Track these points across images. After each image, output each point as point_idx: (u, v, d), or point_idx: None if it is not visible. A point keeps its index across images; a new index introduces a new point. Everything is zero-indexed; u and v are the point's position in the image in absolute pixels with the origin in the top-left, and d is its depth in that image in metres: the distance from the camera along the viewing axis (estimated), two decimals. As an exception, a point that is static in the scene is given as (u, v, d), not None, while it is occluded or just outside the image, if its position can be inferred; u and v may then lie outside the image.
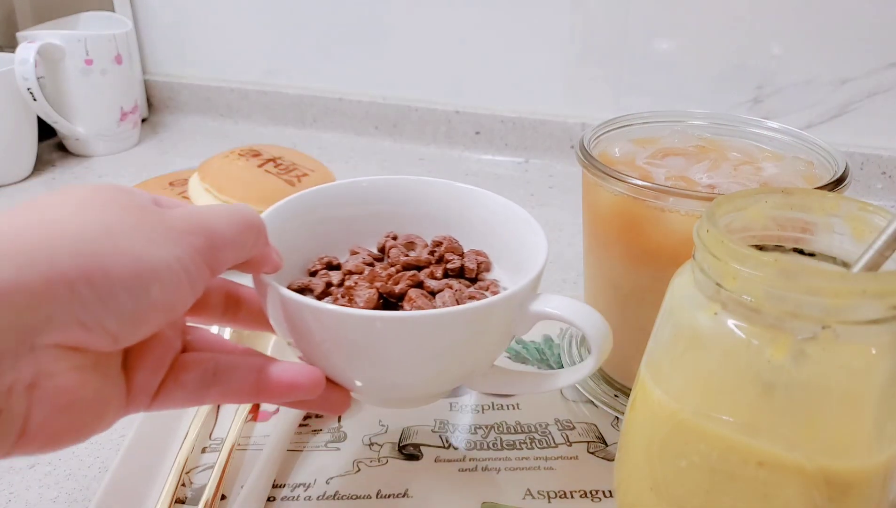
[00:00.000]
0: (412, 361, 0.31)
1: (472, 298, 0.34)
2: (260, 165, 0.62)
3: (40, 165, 0.77)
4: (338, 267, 0.37)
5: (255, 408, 0.41)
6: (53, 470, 0.37)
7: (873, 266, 0.24)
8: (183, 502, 0.35)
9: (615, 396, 0.41)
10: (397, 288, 0.34)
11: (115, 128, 0.81)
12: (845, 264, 0.27)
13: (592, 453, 0.38)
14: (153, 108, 0.93)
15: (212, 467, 0.36)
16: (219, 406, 0.41)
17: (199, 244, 0.25)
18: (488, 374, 0.35)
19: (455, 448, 0.38)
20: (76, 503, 0.36)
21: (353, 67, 0.84)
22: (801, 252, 0.28)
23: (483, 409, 0.41)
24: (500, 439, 0.39)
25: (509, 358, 0.45)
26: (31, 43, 0.71)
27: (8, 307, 0.20)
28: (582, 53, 0.75)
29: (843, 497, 0.24)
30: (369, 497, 0.35)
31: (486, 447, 0.38)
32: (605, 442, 0.39)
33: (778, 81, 0.69)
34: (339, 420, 0.40)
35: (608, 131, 0.41)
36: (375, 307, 0.33)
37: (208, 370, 0.28)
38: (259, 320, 0.33)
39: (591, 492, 0.36)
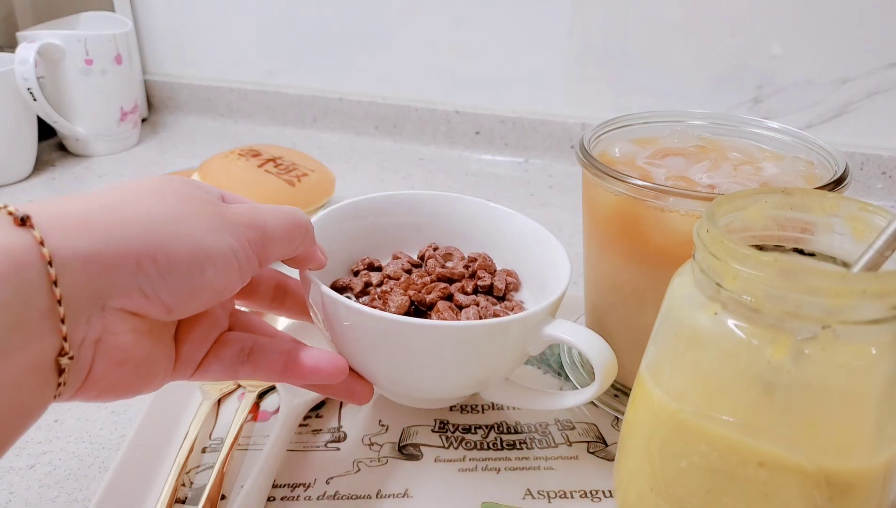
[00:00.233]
0: (429, 366, 0.34)
1: (496, 315, 0.37)
2: (260, 165, 0.62)
3: (40, 165, 0.77)
4: (379, 268, 0.41)
5: (255, 408, 0.41)
6: (53, 470, 0.37)
7: (873, 266, 0.24)
8: (183, 502, 0.35)
9: (615, 396, 0.41)
10: (428, 298, 0.37)
11: (115, 128, 0.81)
12: (845, 264, 0.27)
13: (592, 453, 0.38)
14: (153, 108, 0.93)
15: (212, 467, 0.36)
16: (219, 406, 0.41)
17: (251, 237, 0.28)
18: (501, 386, 0.37)
19: (455, 448, 0.38)
20: (76, 503, 0.36)
21: (353, 67, 0.84)
22: (801, 252, 0.28)
23: (483, 409, 0.41)
24: (500, 439, 0.39)
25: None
26: (31, 43, 0.71)
27: (86, 273, 0.23)
28: (582, 53, 0.75)
29: (843, 497, 0.24)
30: (369, 497, 0.35)
31: (486, 447, 0.38)
32: (605, 442, 0.39)
33: (778, 81, 0.69)
34: (339, 420, 0.40)
35: (608, 131, 0.41)
36: (406, 313, 0.36)
37: (244, 348, 0.32)
38: (303, 311, 0.37)
39: (591, 492, 0.36)
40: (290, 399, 0.40)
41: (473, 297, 0.39)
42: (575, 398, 0.36)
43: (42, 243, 0.22)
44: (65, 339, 0.23)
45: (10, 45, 0.77)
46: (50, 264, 0.22)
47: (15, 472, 0.37)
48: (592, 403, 0.41)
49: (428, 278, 0.39)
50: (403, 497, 0.35)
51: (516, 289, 0.41)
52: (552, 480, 0.36)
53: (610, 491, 0.35)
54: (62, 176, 0.76)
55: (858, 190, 0.68)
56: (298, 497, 0.35)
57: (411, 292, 0.38)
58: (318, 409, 0.41)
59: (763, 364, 0.23)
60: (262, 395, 0.42)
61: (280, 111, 0.88)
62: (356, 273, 0.41)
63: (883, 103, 0.67)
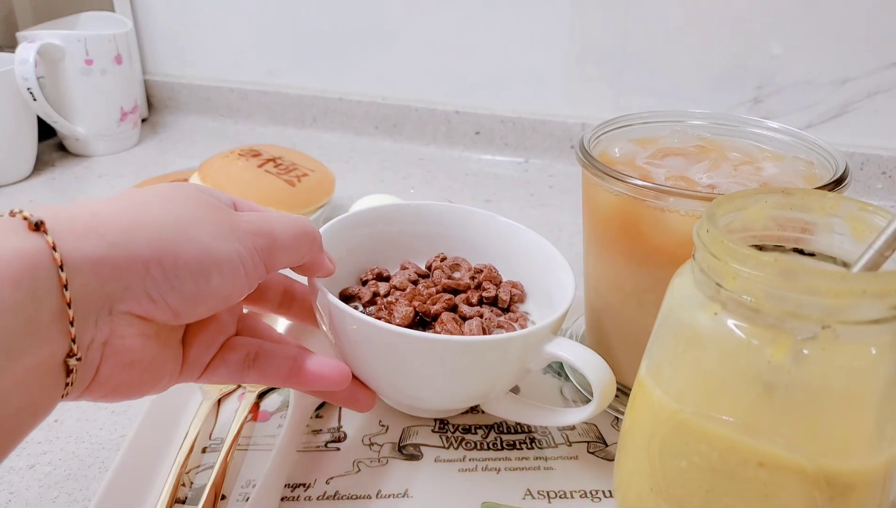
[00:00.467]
0: (429, 378, 0.34)
1: (500, 327, 0.38)
2: (260, 165, 0.62)
3: (40, 165, 0.77)
4: (387, 278, 0.42)
5: (255, 408, 0.41)
6: (53, 470, 0.37)
7: (873, 266, 0.24)
8: (183, 502, 0.35)
9: (615, 396, 0.41)
10: (433, 309, 0.38)
11: (115, 128, 0.81)
12: (845, 264, 0.27)
13: (592, 453, 0.38)
14: (153, 108, 0.93)
15: (212, 467, 0.36)
16: (219, 406, 0.41)
17: (259, 244, 0.29)
18: (502, 400, 0.38)
19: (455, 448, 0.38)
20: (76, 503, 0.36)
21: (353, 67, 0.84)
22: (801, 252, 0.28)
23: (483, 409, 0.41)
24: (500, 439, 0.39)
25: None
26: (31, 43, 0.71)
27: (97, 276, 0.24)
28: (582, 53, 0.75)
29: (843, 497, 0.24)
30: (369, 497, 0.35)
31: (486, 447, 0.38)
32: (605, 442, 0.39)
33: (778, 81, 0.69)
34: (339, 420, 0.40)
35: (608, 131, 0.41)
36: (410, 324, 0.37)
37: (251, 353, 0.32)
38: (310, 316, 0.38)
39: (591, 492, 0.36)
40: (299, 398, 0.40)
41: (478, 308, 0.39)
42: (574, 416, 0.36)
43: (54, 248, 0.23)
44: (73, 341, 0.24)
45: (10, 45, 0.77)
46: (61, 267, 0.23)
47: (15, 472, 0.37)
48: (592, 403, 0.41)
49: (433, 289, 0.40)
50: (403, 497, 0.35)
51: (521, 300, 0.42)
52: (552, 480, 0.36)
53: (610, 491, 0.35)
54: (62, 176, 0.76)
55: (858, 190, 0.68)
56: (298, 497, 0.35)
57: (416, 303, 0.38)
58: (318, 409, 0.41)
59: (763, 364, 0.23)
60: (262, 395, 0.42)
61: (280, 111, 0.88)
62: (364, 282, 0.42)
63: (883, 103, 0.67)
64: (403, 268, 0.43)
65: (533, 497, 0.35)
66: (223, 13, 0.87)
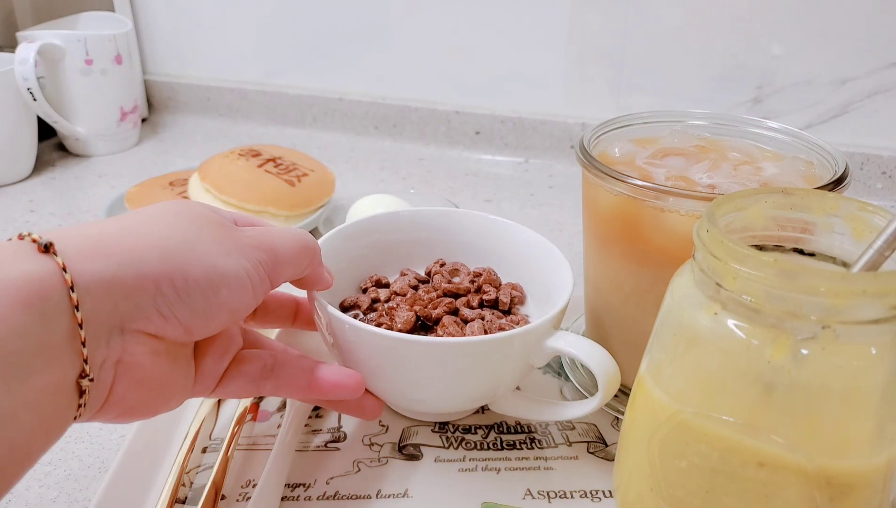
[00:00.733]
0: (434, 381, 0.34)
1: (501, 329, 0.38)
2: (260, 165, 0.62)
3: (40, 165, 0.77)
4: (386, 285, 0.42)
5: (255, 408, 0.41)
6: (53, 470, 0.37)
7: (873, 266, 0.24)
8: (183, 502, 0.35)
9: (615, 396, 0.41)
10: (434, 313, 0.38)
11: (115, 128, 0.81)
12: (845, 264, 0.27)
13: (592, 453, 0.38)
14: (153, 108, 0.93)
15: (212, 467, 0.36)
16: (219, 406, 0.41)
17: (263, 259, 0.30)
18: (508, 398, 0.38)
19: (455, 448, 0.38)
20: (76, 503, 0.36)
21: (353, 67, 0.84)
22: (801, 252, 0.28)
23: (483, 409, 0.41)
24: (500, 439, 0.39)
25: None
26: (31, 43, 0.71)
27: (109, 297, 0.24)
28: (582, 54, 0.75)
29: (843, 497, 0.24)
30: (369, 497, 0.35)
31: (486, 447, 0.38)
32: (605, 442, 0.39)
33: (778, 81, 0.69)
34: (339, 420, 0.40)
35: (608, 131, 0.41)
36: (412, 329, 0.37)
37: (267, 364, 0.33)
38: (310, 325, 0.38)
39: (591, 492, 0.36)
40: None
41: (479, 311, 0.39)
42: (578, 410, 0.36)
43: (64, 269, 0.23)
44: (85, 361, 0.24)
45: (10, 45, 0.77)
46: (72, 288, 0.23)
47: (15, 472, 0.37)
48: (592, 403, 0.41)
49: (434, 294, 0.40)
50: (403, 497, 0.35)
51: (521, 302, 0.42)
52: (552, 480, 0.36)
53: (610, 491, 0.35)
54: (62, 176, 0.76)
55: (858, 190, 0.68)
56: (298, 497, 0.35)
57: (417, 308, 0.38)
58: (317, 409, 0.41)
59: (763, 364, 0.23)
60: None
61: (280, 111, 0.88)
62: (364, 290, 0.42)
63: (883, 103, 0.67)
64: (403, 275, 0.43)
65: (533, 497, 0.35)
66: (223, 13, 0.87)
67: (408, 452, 0.38)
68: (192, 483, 0.36)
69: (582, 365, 0.44)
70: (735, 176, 0.37)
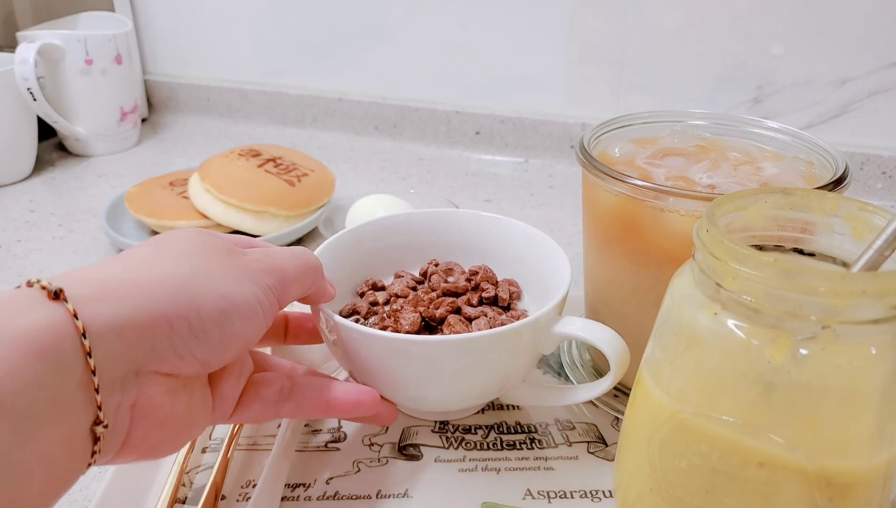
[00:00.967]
0: (453, 378, 0.34)
1: (503, 324, 0.37)
2: (260, 165, 0.62)
3: (40, 165, 0.77)
4: (382, 288, 0.42)
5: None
6: (53, 470, 0.37)
7: (873, 266, 0.24)
8: (183, 502, 0.35)
9: (615, 396, 0.41)
10: (437, 313, 0.38)
11: (115, 128, 0.81)
12: (845, 264, 0.27)
13: (592, 453, 0.38)
14: (153, 108, 0.93)
15: (212, 467, 0.36)
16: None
17: (271, 282, 0.30)
18: (519, 387, 0.38)
19: (455, 448, 0.38)
20: (76, 503, 0.36)
21: (353, 67, 0.84)
22: (800, 252, 0.28)
23: (483, 409, 0.41)
24: (500, 439, 0.39)
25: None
26: (31, 43, 0.71)
27: (122, 341, 0.24)
28: (582, 54, 0.75)
29: (843, 497, 0.24)
30: (369, 497, 0.35)
31: (486, 447, 0.38)
32: (605, 442, 0.39)
33: (778, 81, 0.69)
34: (339, 420, 0.40)
35: (608, 131, 0.41)
36: (418, 330, 0.38)
37: (284, 387, 0.33)
38: (299, 339, 0.39)
39: (591, 492, 0.35)
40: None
41: (481, 309, 0.39)
42: (591, 391, 0.37)
43: (76, 315, 0.23)
44: (99, 408, 0.23)
45: (10, 45, 0.77)
46: (84, 335, 0.23)
47: (15, 472, 0.37)
48: (592, 403, 0.41)
49: (434, 294, 0.40)
50: (403, 497, 0.35)
51: (518, 298, 0.42)
52: (552, 480, 0.36)
53: (610, 491, 0.35)
54: (62, 176, 0.76)
55: (858, 190, 0.68)
56: (298, 497, 0.35)
57: (421, 309, 0.38)
58: (318, 409, 0.41)
59: (763, 364, 0.23)
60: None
61: (280, 111, 0.88)
62: (361, 295, 0.42)
63: (883, 103, 0.66)
64: (398, 277, 0.43)
65: (533, 498, 0.35)
66: (223, 13, 0.87)
67: (408, 452, 0.38)
68: (192, 483, 0.36)
69: (582, 364, 0.44)
70: (735, 176, 0.37)
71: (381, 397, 0.36)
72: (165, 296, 0.25)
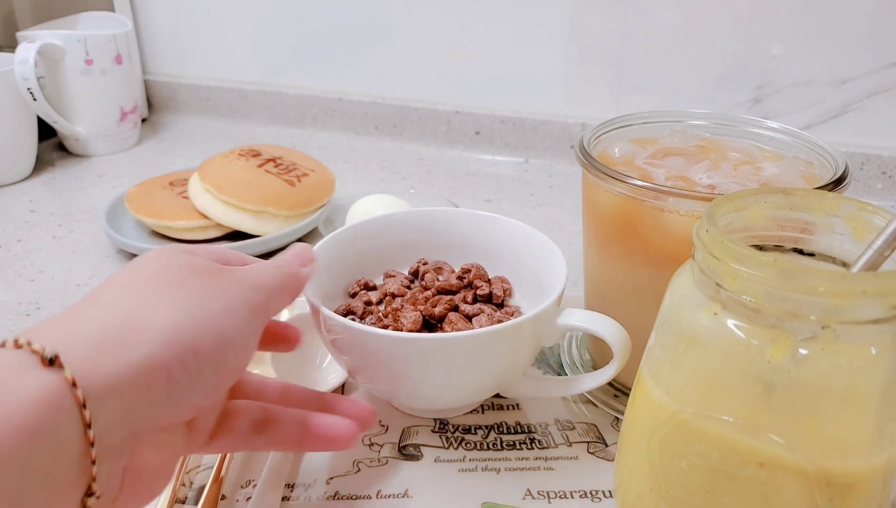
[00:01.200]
0: (461, 374, 0.35)
1: (500, 321, 0.38)
2: (260, 165, 0.62)
3: (40, 165, 0.77)
4: (374, 288, 0.43)
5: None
6: (53, 470, 0.37)
7: (873, 266, 0.24)
8: (183, 502, 0.35)
9: (615, 396, 0.41)
10: (436, 311, 0.38)
11: (115, 128, 0.81)
12: (845, 264, 0.27)
13: (592, 453, 0.38)
14: (153, 108, 0.93)
15: (211, 467, 0.36)
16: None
17: (258, 300, 0.28)
18: (521, 381, 0.38)
19: (455, 449, 0.38)
20: (76, 503, 0.36)
21: (353, 67, 0.84)
22: (800, 252, 0.28)
23: (483, 409, 0.41)
24: (500, 439, 0.39)
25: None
26: (31, 43, 0.71)
27: (121, 402, 0.22)
28: (582, 54, 0.75)
29: (843, 497, 0.24)
30: (369, 497, 0.35)
31: (486, 447, 0.38)
32: (605, 442, 0.39)
33: (778, 81, 0.69)
34: (339, 420, 0.40)
35: (608, 131, 0.41)
36: (420, 329, 0.38)
37: (258, 419, 0.31)
38: (272, 344, 0.35)
39: (591, 492, 0.35)
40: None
41: (479, 306, 0.40)
42: (595, 379, 0.37)
43: (74, 384, 0.21)
44: (94, 479, 0.22)
45: (10, 45, 0.77)
46: (84, 405, 0.21)
47: (15, 472, 0.37)
48: (592, 403, 0.41)
49: (429, 293, 0.40)
50: (403, 497, 0.35)
51: (510, 295, 0.42)
52: (552, 480, 0.36)
53: (610, 491, 0.35)
54: (62, 176, 0.76)
55: (858, 190, 0.68)
56: (299, 497, 0.35)
57: (421, 307, 0.39)
58: (318, 409, 0.41)
59: (763, 364, 0.23)
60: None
61: (280, 111, 0.88)
62: (354, 295, 0.42)
63: (883, 103, 0.66)
64: (389, 276, 0.43)
65: (533, 498, 0.35)
66: (223, 13, 0.87)
67: (408, 452, 0.38)
68: (192, 483, 0.36)
69: (582, 364, 0.44)
70: (735, 176, 0.37)
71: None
72: (163, 343, 0.24)
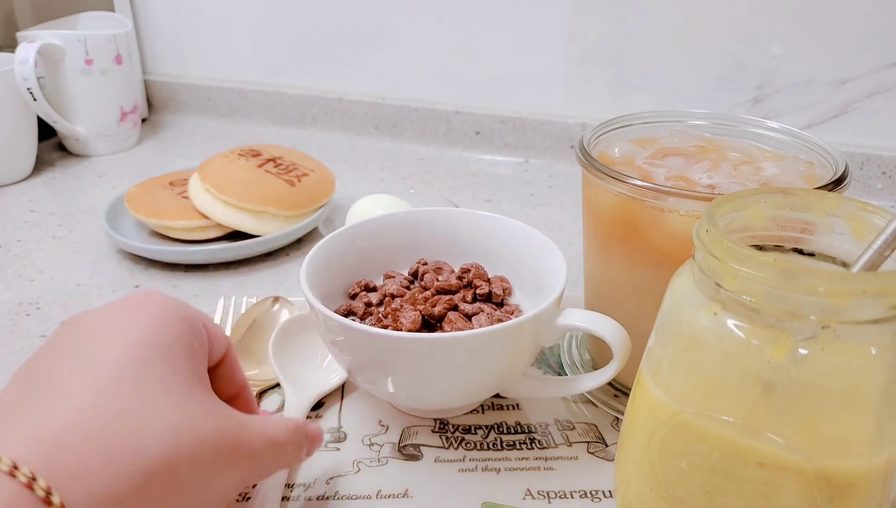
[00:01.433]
0: (462, 373, 0.35)
1: (500, 320, 0.38)
2: (260, 165, 0.62)
3: (40, 165, 0.77)
4: (374, 289, 0.43)
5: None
6: (53, 470, 0.37)
7: (873, 266, 0.24)
8: (183, 502, 0.35)
9: (615, 396, 0.41)
10: (436, 311, 0.38)
11: (115, 128, 0.81)
12: (845, 264, 0.27)
13: (592, 453, 0.38)
14: (153, 108, 0.93)
15: (212, 467, 0.36)
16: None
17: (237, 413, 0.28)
18: (520, 381, 0.38)
19: (455, 449, 0.38)
20: (76, 503, 0.36)
21: (353, 67, 0.84)
22: (800, 252, 0.28)
23: (483, 409, 0.41)
24: (500, 439, 0.39)
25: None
26: (31, 43, 0.71)
27: None
28: (582, 54, 0.75)
29: (843, 497, 0.24)
30: (369, 497, 0.35)
31: (486, 447, 0.38)
32: (605, 442, 0.39)
33: (778, 81, 0.69)
34: (339, 420, 0.40)
35: (608, 131, 0.41)
36: (419, 328, 0.38)
37: None
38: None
39: (591, 492, 0.35)
40: (293, 396, 0.40)
41: (478, 305, 0.40)
42: (596, 379, 0.37)
43: (49, 498, 0.20)
44: None
45: (10, 45, 0.77)
46: None
47: (15, 472, 0.37)
48: (592, 403, 0.41)
49: (428, 293, 0.40)
50: (403, 497, 0.35)
51: (510, 294, 0.42)
52: (552, 480, 0.36)
53: (610, 491, 0.35)
54: (62, 176, 0.76)
55: (858, 190, 0.68)
56: (299, 497, 0.35)
57: (421, 307, 0.39)
58: (317, 409, 0.41)
59: (763, 364, 0.23)
60: (262, 394, 0.42)
61: (280, 111, 0.88)
62: (354, 296, 0.42)
63: (883, 103, 0.66)
64: (389, 277, 0.43)
65: (533, 498, 0.35)
66: (223, 13, 0.87)
67: (408, 452, 0.38)
68: (192, 483, 0.36)
69: (581, 364, 0.44)
70: (735, 176, 0.37)
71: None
72: (160, 449, 0.23)
